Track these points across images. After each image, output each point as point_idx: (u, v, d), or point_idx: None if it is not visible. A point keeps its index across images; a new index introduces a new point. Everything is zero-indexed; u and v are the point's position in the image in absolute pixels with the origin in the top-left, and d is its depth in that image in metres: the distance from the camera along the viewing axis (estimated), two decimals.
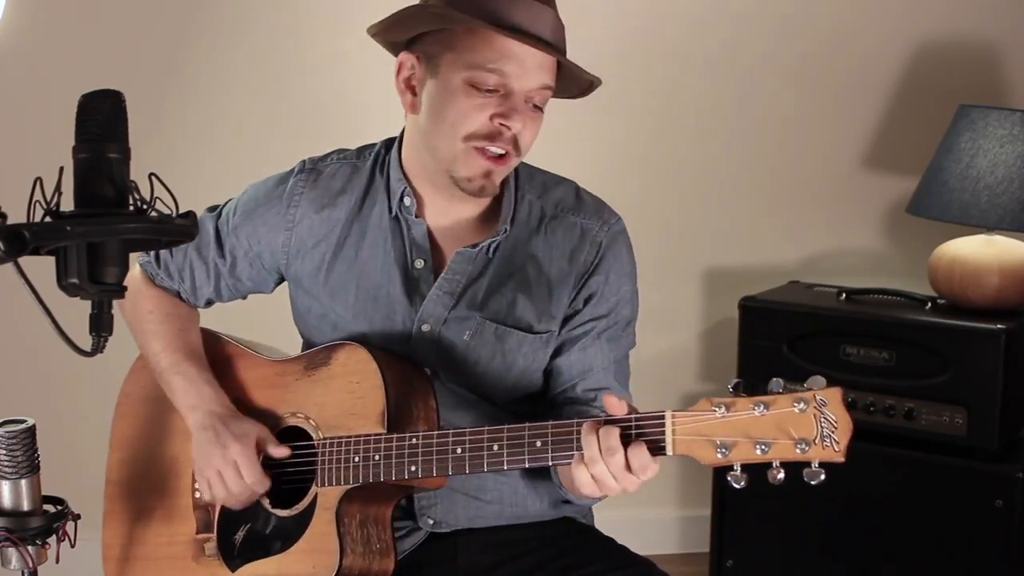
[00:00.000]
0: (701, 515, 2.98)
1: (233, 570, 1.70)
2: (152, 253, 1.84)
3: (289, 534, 1.65)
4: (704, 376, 3.28)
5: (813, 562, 2.77)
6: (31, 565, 1.53)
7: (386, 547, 1.63)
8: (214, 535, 1.74)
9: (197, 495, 1.76)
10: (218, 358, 1.82)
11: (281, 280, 1.85)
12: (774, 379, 1.36)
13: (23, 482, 1.54)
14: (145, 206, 1.20)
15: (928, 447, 2.62)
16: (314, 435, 1.66)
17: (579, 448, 1.44)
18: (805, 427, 1.33)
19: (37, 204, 1.17)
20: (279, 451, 1.68)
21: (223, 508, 1.74)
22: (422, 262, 1.72)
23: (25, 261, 1.14)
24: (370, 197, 1.75)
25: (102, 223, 1.17)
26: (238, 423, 1.70)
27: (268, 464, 1.69)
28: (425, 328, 1.71)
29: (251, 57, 2.94)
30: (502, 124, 1.60)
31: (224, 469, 1.67)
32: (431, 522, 1.74)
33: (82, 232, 1.16)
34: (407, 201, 1.72)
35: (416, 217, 1.72)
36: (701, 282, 3.24)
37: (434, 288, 1.70)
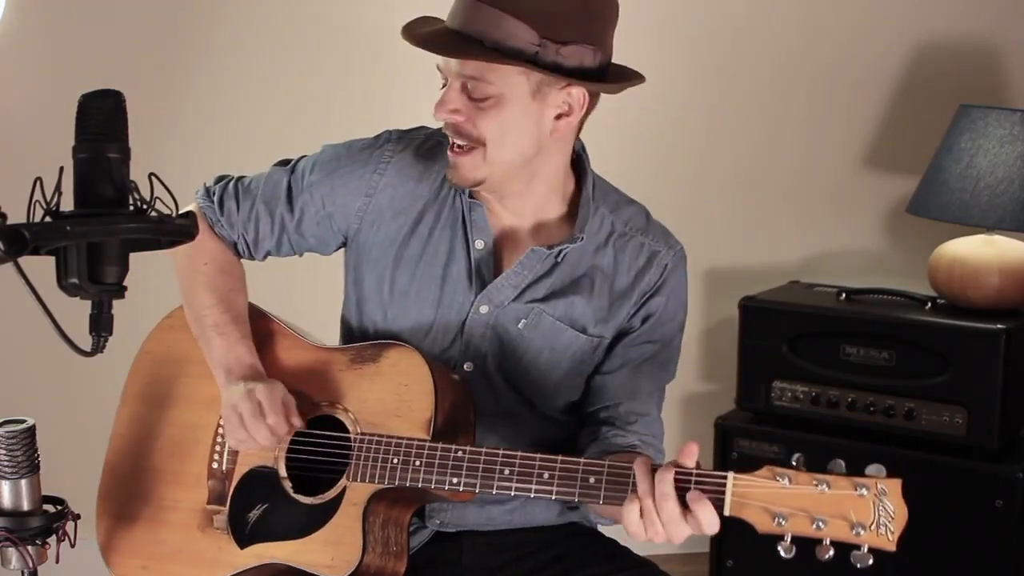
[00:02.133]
0: None
1: (242, 547, 1.68)
2: (215, 197, 1.82)
3: (308, 522, 1.64)
4: (704, 376, 3.28)
5: (813, 562, 2.76)
6: (31, 565, 1.53)
7: (401, 550, 1.63)
8: (226, 509, 1.72)
9: (215, 465, 1.74)
10: (261, 334, 1.80)
11: (343, 244, 1.83)
12: (835, 460, 1.39)
13: (23, 482, 1.54)
14: (145, 206, 1.20)
15: (928, 447, 2.62)
16: (351, 428, 1.65)
17: (633, 490, 1.44)
18: (863, 512, 1.36)
19: (37, 204, 1.17)
20: (296, 421, 1.66)
21: (240, 484, 1.72)
22: (482, 243, 1.73)
23: (25, 261, 1.14)
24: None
25: (102, 223, 1.17)
26: (270, 380, 1.69)
27: (297, 448, 1.68)
28: (483, 310, 1.72)
29: (252, 57, 2.94)
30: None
31: (243, 404, 1.64)
32: (438, 522, 1.75)
33: (82, 232, 1.16)
34: None
35: (472, 199, 1.74)
36: (701, 282, 3.24)
37: (501, 278, 1.72)
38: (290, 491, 1.68)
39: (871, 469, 1.38)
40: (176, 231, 1.22)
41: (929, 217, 2.75)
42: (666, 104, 3.12)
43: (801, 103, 3.16)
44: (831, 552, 1.37)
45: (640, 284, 1.76)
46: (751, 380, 2.82)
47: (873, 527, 1.36)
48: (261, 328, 1.80)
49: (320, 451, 1.68)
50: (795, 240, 3.22)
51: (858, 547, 1.36)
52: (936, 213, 2.71)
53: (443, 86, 1.66)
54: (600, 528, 1.86)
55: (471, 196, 1.73)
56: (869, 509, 1.36)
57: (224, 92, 2.94)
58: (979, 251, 2.67)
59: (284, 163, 1.84)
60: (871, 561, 1.36)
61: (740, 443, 2.81)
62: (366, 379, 1.67)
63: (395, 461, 1.58)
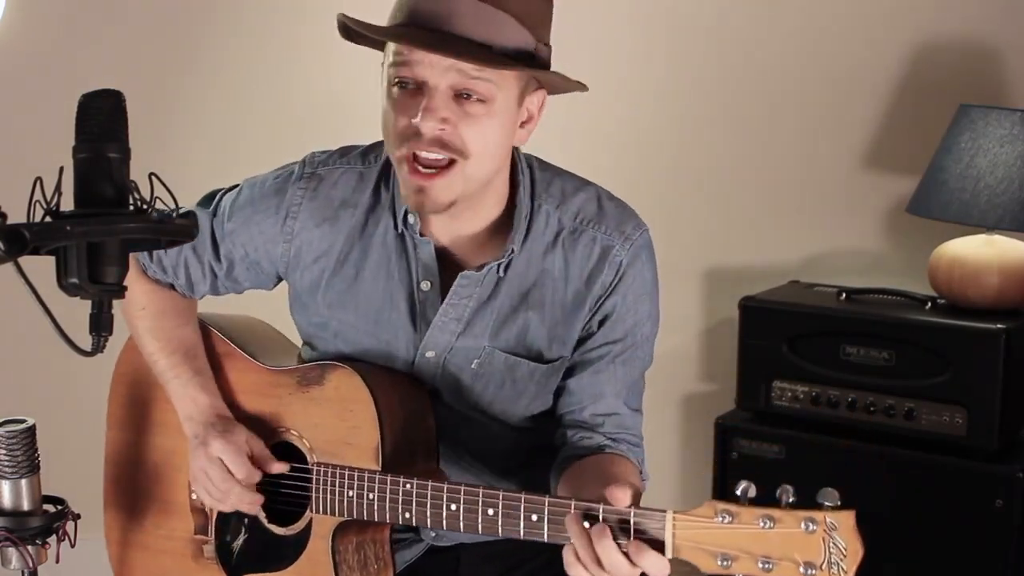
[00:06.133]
0: None
1: None
2: None
3: (285, 553, 1.64)
4: (704, 376, 3.28)
5: None
6: (31, 565, 1.54)
7: (384, 563, 1.62)
8: (212, 539, 1.73)
9: (194, 496, 1.75)
10: (209, 358, 1.78)
11: (280, 280, 1.79)
12: (783, 486, 1.27)
13: (23, 482, 1.54)
14: (145, 206, 1.20)
15: (928, 447, 2.62)
16: (308, 457, 1.64)
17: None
18: (812, 550, 1.25)
19: (37, 204, 1.17)
20: (277, 467, 1.65)
21: (220, 514, 1.73)
22: (428, 284, 1.63)
23: (25, 261, 1.14)
24: (375, 213, 1.65)
25: (102, 223, 1.17)
26: (227, 426, 1.68)
27: (266, 479, 1.67)
28: (429, 355, 1.65)
29: (252, 56, 2.94)
30: (416, 122, 1.46)
31: (209, 467, 1.64)
32: (433, 535, 1.73)
33: (82, 232, 1.16)
34: (411, 219, 1.61)
35: (421, 236, 1.61)
36: (701, 282, 3.24)
37: (439, 315, 1.62)
38: (264, 522, 1.68)
39: (822, 496, 1.27)
40: (176, 231, 1.22)
41: (929, 217, 2.74)
42: (666, 105, 3.12)
43: (801, 103, 3.16)
44: None
45: (593, 288, 1.63)
46: (751, 380, 2.81)
47: (824, 566, 1.24)
48: (208, 353, 1.78)
49: (285, 481, 1.67)
50: (795, 240, 3.21)
51: None
52: (936, 213, 2.71)
53: (400, 87, 1.49)
54: None
55: (420, 233, 1.61)
56: (818, 547, 1.24)
57: (224, 92, 2.95)
58: (979, 251, 2.66)
59: (209, 198, 1.76)
60: None
61: (740, 443, 2.80)
62: (314, 403, 1.64)
63: (351, 494, 1.56)
